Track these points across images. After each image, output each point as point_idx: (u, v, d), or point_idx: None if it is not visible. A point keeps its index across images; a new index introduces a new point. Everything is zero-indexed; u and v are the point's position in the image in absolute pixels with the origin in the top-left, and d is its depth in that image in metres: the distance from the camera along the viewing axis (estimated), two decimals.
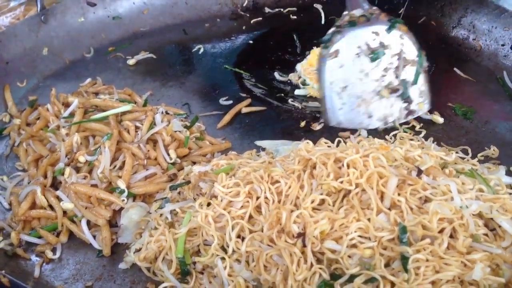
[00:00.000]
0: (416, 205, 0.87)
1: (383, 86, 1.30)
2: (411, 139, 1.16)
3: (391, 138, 1.24)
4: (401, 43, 1.30)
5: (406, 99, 1.30)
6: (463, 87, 1.42)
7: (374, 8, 1.34)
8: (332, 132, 1.29)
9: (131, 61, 1.58)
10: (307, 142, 1.01)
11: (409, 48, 1.31)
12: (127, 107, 1.19)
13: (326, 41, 1.31)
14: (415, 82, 1.30)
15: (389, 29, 1.29)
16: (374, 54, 1.29)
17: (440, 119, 1.31)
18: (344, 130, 1.29)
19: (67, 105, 1.26)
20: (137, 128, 1.16)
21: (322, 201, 0.90)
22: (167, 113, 1.30)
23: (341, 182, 0.89)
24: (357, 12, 1.33)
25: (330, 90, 1.30)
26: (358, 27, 1.30)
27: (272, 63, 1.58)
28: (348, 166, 0.90)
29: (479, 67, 1.49)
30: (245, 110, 1.38)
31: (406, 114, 1.31)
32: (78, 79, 1.50)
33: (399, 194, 0.87)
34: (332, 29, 1.33)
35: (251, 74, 1.54)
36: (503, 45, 1.48)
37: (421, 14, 1.69)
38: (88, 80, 1.48)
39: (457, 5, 1.62)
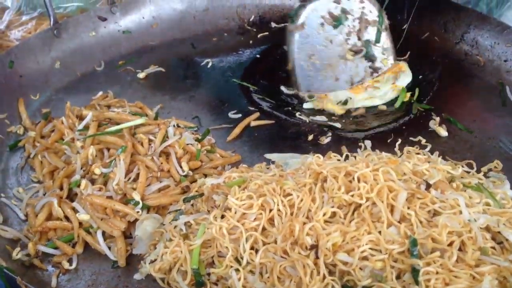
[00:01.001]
0: (425, 218, 0.90)
1: (347, 50, 1.45)
2: (418, 153, 1.19)
3: (398, 150, 1.27)
4: (361, 6, 1.46)
5: (370, 58, 1.38)
6: (466, 102, 1.46)
7: None
8: (339, 145, 1.32)
9: (141, 75, 1.61)
10: (317, 156, 1.04)
11: (370, 9, 1.47)
12: (140, 120, 1.21)
13: (293, 15, 1.41)
14: (377, 41, 1.38)
15: None
16: (337, 22, 1.45)
17: (444, 133, 1.34)
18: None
19: (81, 118, 1.29)
20: (150, 141, 1.19)
21: (334, 214, 0.93)
22: (178, 126, 1.33)
23: (352, 196, 0.92)
24: None
25: (299, 59, 1.47)
26: None
27: (279, 77, 1.61)
28: (358, 180, 0.93)
29: (482, 82, 1.53)
30: (253, 123, 1.41)
31: (371, 72, 1.40)
32: (89, 92, 1.53)
33: (408, 208, 0.90)
34: (297, 5, 1.42)
35: (259, 87, 1.57)
36: (505, 60, 1.52)
37: (425, 30, 1.73)
38: (100, 93, 1.50)
39: (460, 21, 1.65)
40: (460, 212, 0.90)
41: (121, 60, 1.69)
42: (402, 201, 0.90)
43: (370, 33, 1.46)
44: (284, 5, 1.91)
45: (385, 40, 1.43)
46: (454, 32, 1.66)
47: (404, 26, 1.76)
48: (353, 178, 0.94)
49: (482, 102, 1.45)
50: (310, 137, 1.36)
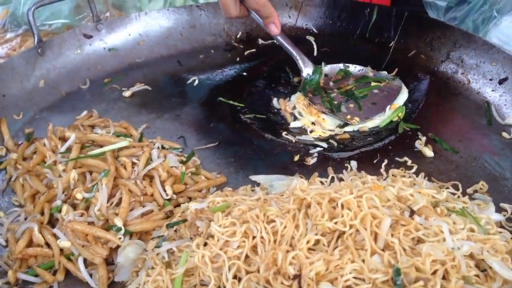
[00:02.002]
0: (409, 246, 0.89)
1: None
2: (403, 175, 1.18)
3: (384, 172, 1.27)
4: None
5: None
6: (452, 121, 1.46)
7: None
8: (325, 166, 1.32)
9: (126, 93, 1.60)
10: (302, 182, 1.03)
11: None
12: (124, 143, 1.20)
13: None
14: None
15: None
16: None
17: (430, 153, 1.33)
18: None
19: (64, 139, 1.27)
20: (133, 164, 1.18)
21: (317, 241, 0.92)
22: (163, 147, 1.32)
23: (336, 223, 0.91)
24: None
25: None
26: None
27: (266, 95, 1.61)
28: (342, 207, 0.93)
29: (467, 101, 1.53)
30: None
31: None
32: (74, 111, 1.51)
33: (392, 235, 0.89)
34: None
35: (245, 106, 1.56)
36: (491, 79, 1.52)
37: (411, 48, 1.73)
38: (84, 112, 1.49)
39: (445, 39, 1.66)
40: (444, 240, 0.89)
41: (107, 78, 1.68)
42: (386, 228, 0.89)
43: None
44: None
45: None
46: (440, 50, 1.67)
47: (391, 44, 1.77)
48: (337, 205, 0.93)
49: (468, 121, 1.45)
50: (296, 158, 1.35)
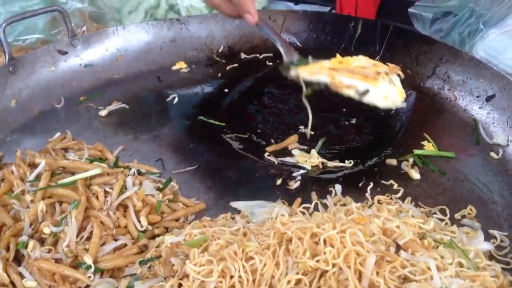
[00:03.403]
0: (395, 285, 0.84)
1: None
2: (389, 203, 1.14)
3: (369, 196, 1.22)
4: None
5: None
6: (439, 140, 1.41)
7: None
8: (308, 191, 1.26)
9: (103, 112, 1.54)
10: (282, 213, 0.98)
11: None
12: (96, 170, 1.14)
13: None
14: None
15: None
16: None
17: (416, 175, 1.29)
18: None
19: (34, 165, 1.21)
20: (106, 193, 1.12)
21: (299, 281, 0.86)
22: (139, 172, 1.26)
23: (318, 261, 0.86)
24: None
25: None
26: None
27: (248, 113, 1.56)
28: (325, 242, 0.88)
29: (455, 119, 1.49)
30: None
31: None
32: (47, 132, 1.45)
33: (377, 273, 0.85)
34: None
35: (227, 125, 1.51)
36: (478, 96, 1.49)
37: (397, 63, 1.67)
38: (57, 134, 1.42)
39: (431, 54, 1.62)
40: (431, 278, 0.84)
41: (83, 96, 1.61)
42: (370, 267, 0.84)
43: None
44: (254, 36, 1.86)
45: None
46: (426, 65, 1.63)
47: (376, 58, 1.72)
48: (319, 239, 0.88)
49: (455, 140, 1.42)
50: (279, 181, 1.30)
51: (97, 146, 1.36)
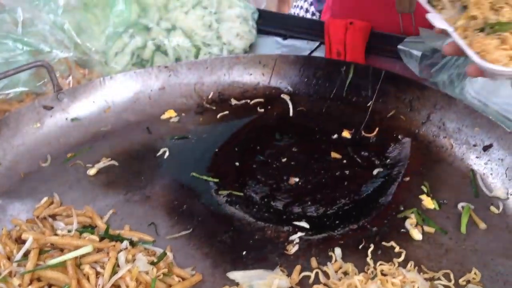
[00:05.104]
0: None
1: None
2: (393, 274, 1.10)
3: (371, 260, 1.19)
4: None
5: None
6: (437, 194, 1.39)
7: None
8: (308, 255, 1.23)
9: (91, 171, 1.48)
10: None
11: None
12: (87, 248, 1.09)
13: None
14: None
15: None
16: None
17: (418, 235, 1.26)
18: None
19: (21, 240, 1.16)
20: (98, 273, 1.07)
21: None
22: (131, 242, 1.21)
23: None
24: None
25: None
26: None
27: (243, 167, 1.52)
28: None
29: (452, 168, 1.47)
30: None
31: None
32: (34, 196, 1.39)
33: None
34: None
35: (221, 181, 1.47)
36: (475, 145, 1.47)
37: (390, 108, 1.67)
38: (45, 199, 1.37)
39: (425, 100, 1.61)
40: None
41: (70, 153, 1.56)
42: None
43: None
44: (243, 81, 1.83)
45: None
46: (420, 112, 1.61)
47: (369, 103, 1.70)
48: None
49: (454, 193, 1.39)
50: (276, 246, 1.26)
51: (87, 211, 1.31)
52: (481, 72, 1.12)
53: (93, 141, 1.62)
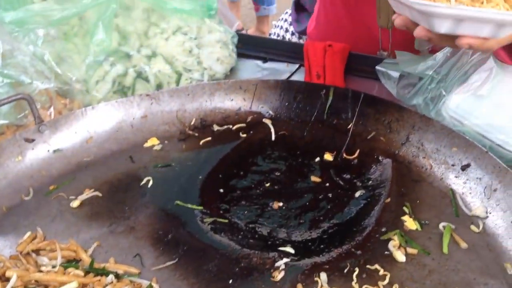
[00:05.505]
0: None
1: None
2: None
3: (356, 285, 1.20)
4: None
5: None
6: (418, 213, 1.41)
7: None
8: (294, 282, 1.23)
9: (74, 203, 1.48)
10: None
11: None
12: (72, 285, 1.09)
13: None
14: None
15: None
16: None
17: (401, 257, 1.28)
18: None
19: (4, 278, 1.15)
20: None
21: None
22: (116, 275, 1.20)
23: None
24: None
25: None
26: None
27: (227, 193, 1.53)
28: None
29: (432, 188, 1.50)
30: None
31: None
32: (17, 230, 1.38)
33: None
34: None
35: (205, 209, 1.47)
36: (453, 165, 1.50)
37: (370, 130, 1.70)
38: (28, 233, 1.36)
39: (403, 122, 1.64)
40: None
41: (52, 185, 1.55)
42: None
43: None
44: (225, 107, 1.85)
45: None
46: (399, 133, 1.64)
47: (349, 125, 1.73)
48: None
49: (435, 212, 1.41)
50: (262, 273, 1.26)
51: (71, 245, 1.30)
52: (428, 32, 1.15)
53: (76, 171, 1.61)
